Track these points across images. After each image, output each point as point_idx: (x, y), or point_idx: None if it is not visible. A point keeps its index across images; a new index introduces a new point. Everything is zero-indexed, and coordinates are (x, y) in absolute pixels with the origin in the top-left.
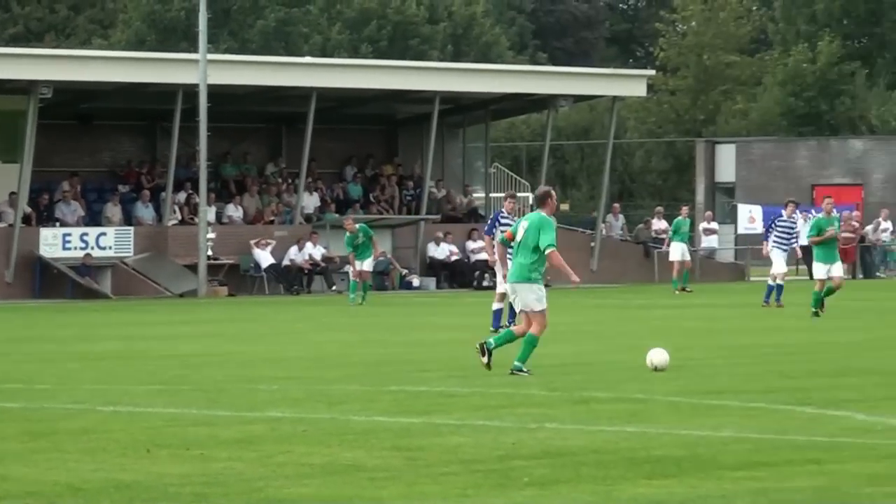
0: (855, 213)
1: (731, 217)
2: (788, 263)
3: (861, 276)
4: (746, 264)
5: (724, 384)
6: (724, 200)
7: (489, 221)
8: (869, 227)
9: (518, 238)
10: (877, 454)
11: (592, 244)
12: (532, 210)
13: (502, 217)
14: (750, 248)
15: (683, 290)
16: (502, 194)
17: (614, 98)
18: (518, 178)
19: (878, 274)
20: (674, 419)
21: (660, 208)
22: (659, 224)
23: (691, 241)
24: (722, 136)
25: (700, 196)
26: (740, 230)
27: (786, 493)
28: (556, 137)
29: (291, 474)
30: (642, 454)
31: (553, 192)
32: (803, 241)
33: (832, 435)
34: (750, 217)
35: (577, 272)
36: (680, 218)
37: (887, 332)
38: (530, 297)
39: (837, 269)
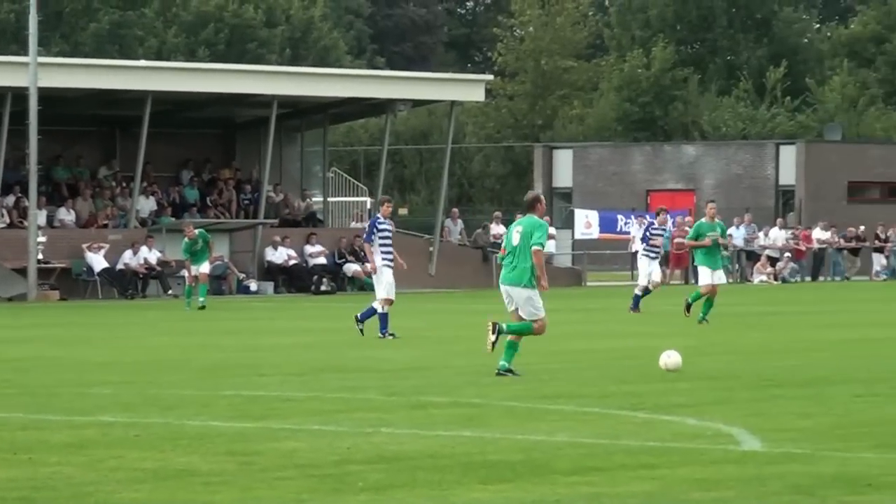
0: (688, 219)
1: (568, 222)
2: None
3: (694, 281)
4: (583, 269)
5: (559, 389)
6: (561, 205)
7: (367, 228)
8: None
9: (514, 243)
10: (706, 459)
11: (431, 249)
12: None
13: (379, 223)
14: (587, 252)
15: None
16: (344, 198)
17: (452, 103)
18: (356, 182)
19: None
20: (510, 424)
21: (498, 213)
22: (497, 229)
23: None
24: (559, 142)
25: None
26: (577, 235)
27: (618, 498)
28: (394, 142)
29: (123, 479)
30: (478, 459)
31: (542, 197)
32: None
33: (664, 440)
34: (586, 222)
35: (416, 278)
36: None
37: (718, 337)
38: (529, 307)
39: (720, 277)
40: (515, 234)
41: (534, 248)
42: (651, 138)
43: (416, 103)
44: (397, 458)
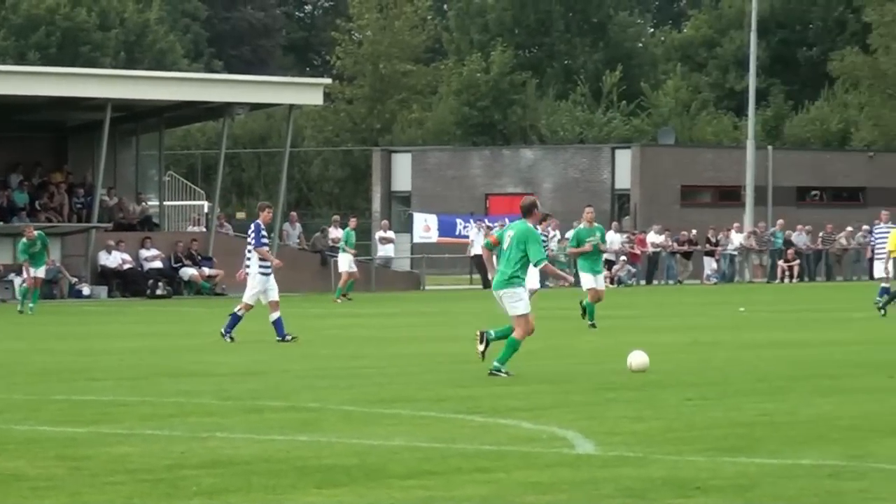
0: None
1: (406, 226)
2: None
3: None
4: (422, 273)
5: (396, 393)
6: (400, 209)
7: (253, 233)
8: None
9: (504, 246)
10: (541, 463)
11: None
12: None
13: (262, 229)
14: (425, 256)
15: (346, 297)
16: (181, 202)
17: (291, 106)
18: (193, 186)
19: (547, 283)
20: (346, 428)
21: (337, 217)
22: (336, 233)
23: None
24: (398, 145)
25: (376, 205)
26: (416, 239)
27: (453, 502)
28: (232, 145)
29: None
30: (313, 463)
31: (538, 203)
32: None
33: (499, 444)
34: (425, 226)
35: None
36: (349, 229)
37: (554, 342)
38: (511, 301)
39: (600, 281)
40: (507, 237)
41: (540, 267)
42: (490, 142)
43: (255, 107)
44: (232, 462)
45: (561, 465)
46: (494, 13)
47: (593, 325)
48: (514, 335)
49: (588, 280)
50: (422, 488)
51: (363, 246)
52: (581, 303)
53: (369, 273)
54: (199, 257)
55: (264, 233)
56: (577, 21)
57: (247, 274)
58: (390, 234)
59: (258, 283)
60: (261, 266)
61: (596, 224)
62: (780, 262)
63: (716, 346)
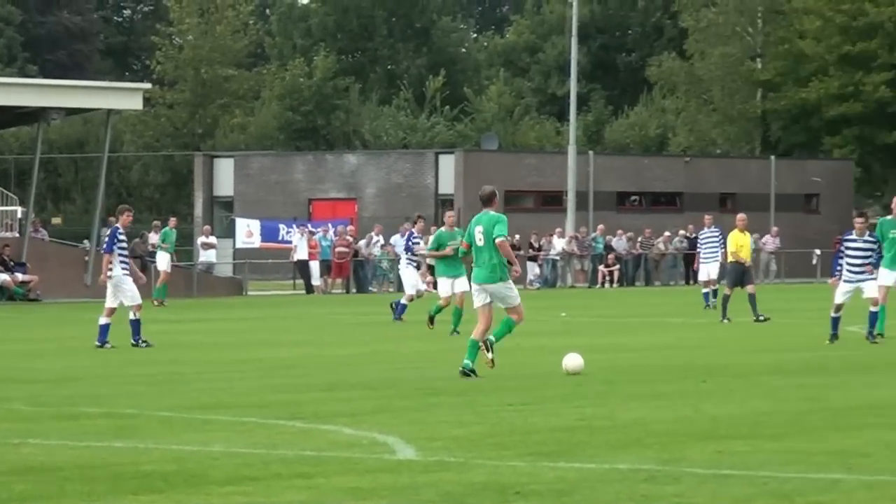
0: (349, 228)
1: (229, 231)
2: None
3: (355, 290)
4: (244, 279)
5: (216, 399)
6: (222, 214)
7: (107, 238)
8: (362, 242)
9: (480, 243)
10: (361, 468)
11: (87, 258)
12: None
13: (119, 233)
14: (248, 262)
15: (161, 303)
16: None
17: (109, 111)
18: (6, 192)
19: (370, 289)
20: (165, 434)
21: (157, 222)
22: (156, 238)
23: (181, 253)
24: (220, 150)
25: (198, 210)
26: (238, 244)
27: None
28: (47, 150)
29: None
30: (130, 469)
31: (496, 192)
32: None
33: (320, 449)
34: (248, 231)
35: (71, 287)
36: (167, 228)
37: (377, 347)
38: (507, 293)
39: (461, 284)
40: (478, 233)
41: (498, 240)
42: (313, 147)
43: (71, 112)
44: (45, 468)
45: (381, 470)
46: (317, 18)
47: (456, 332)
48: (514, 318)
49: (445, 285)
50: (241, 494)
51: (185, 251)
52: (430, 312)
53: (191, 279)
54: (12, 263)
55: (121, 236)
56: (401, 26)
57: (110, 277)
58: (212, 239)
59: (128, 284)
60: (122, 267)
61: (456, 228)
62: (601, 267)
63: (537, 351)
